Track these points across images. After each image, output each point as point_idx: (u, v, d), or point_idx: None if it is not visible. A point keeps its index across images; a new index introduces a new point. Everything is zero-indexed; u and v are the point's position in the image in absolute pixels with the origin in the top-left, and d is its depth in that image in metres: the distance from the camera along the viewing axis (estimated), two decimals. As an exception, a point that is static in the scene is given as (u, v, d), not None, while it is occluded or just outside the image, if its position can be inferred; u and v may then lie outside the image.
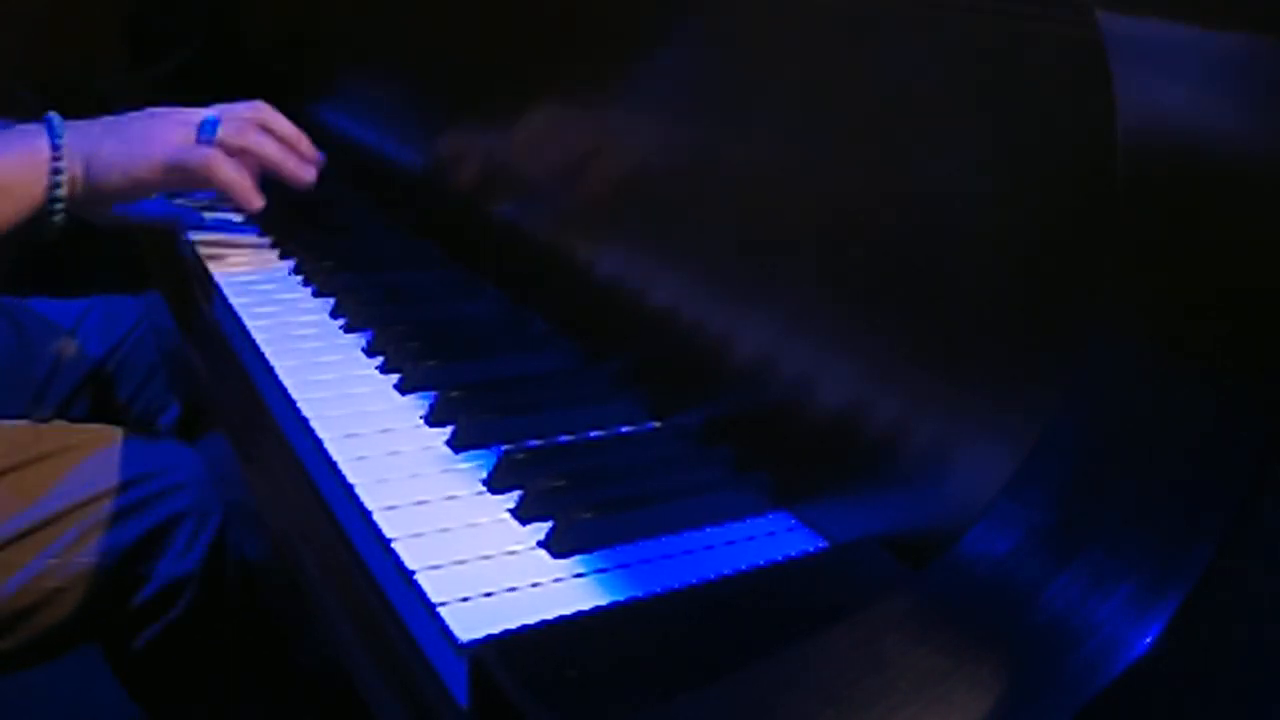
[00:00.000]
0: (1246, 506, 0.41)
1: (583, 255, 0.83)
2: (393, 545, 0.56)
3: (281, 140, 0.98)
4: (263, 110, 0.99)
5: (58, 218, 0.92)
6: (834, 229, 0.62)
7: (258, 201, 0.95)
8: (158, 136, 0.94)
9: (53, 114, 0.93)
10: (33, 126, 0.93)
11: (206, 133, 0.95)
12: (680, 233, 0.74)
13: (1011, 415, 0.50)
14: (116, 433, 0.96)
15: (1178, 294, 0.45)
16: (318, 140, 1.03)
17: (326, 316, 0.88)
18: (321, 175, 1.03)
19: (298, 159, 0.99)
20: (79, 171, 0.91)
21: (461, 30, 1.04)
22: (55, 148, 0.91)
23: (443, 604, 0.52)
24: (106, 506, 0.90)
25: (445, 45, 1.08)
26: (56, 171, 0.90)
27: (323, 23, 1.41)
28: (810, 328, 0.62)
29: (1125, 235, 0.46)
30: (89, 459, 0.93)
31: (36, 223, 0.92)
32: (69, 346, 1.17)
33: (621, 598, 0.53)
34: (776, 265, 0.66)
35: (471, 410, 0.69)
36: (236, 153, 0.95)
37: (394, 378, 0.76)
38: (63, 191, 0.91)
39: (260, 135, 0.97)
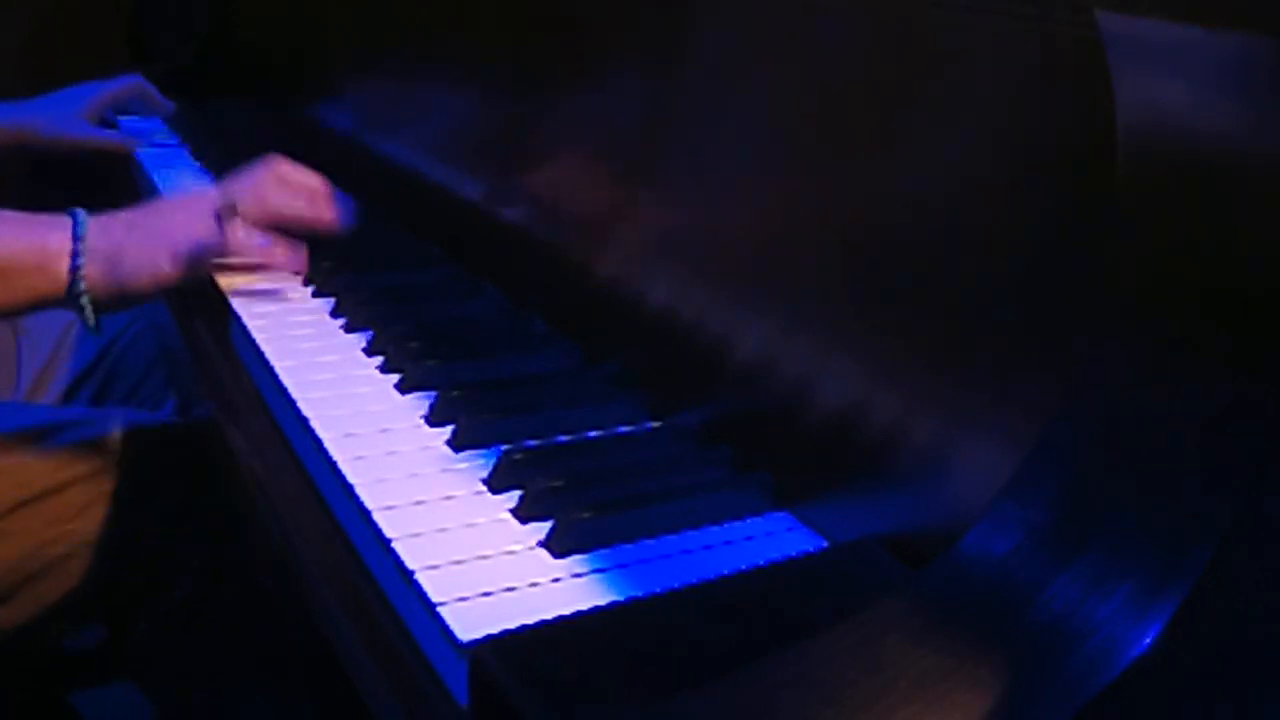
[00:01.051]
0: (1246, 506, 0.41)
1: (583, 255, 0.83)
2: (392, 545, 0.56)
3: (298, 192, 0.95)
4: (277, 165, 0.96)
5: (86, 309, 0.89)
6: (834, 228, 0.62)
7: (297, 264, 0.93)
8: (178, 230, 0.91)
9: (79, 210, 0.91)
10: (54, 218, 0.90)
11: (226, 216, 0.92)
12: (679, 233, 0.74)
13: (1011, 415, 0.50)
14: (120, 411, 0.98)
15: (1178, 294, 0.45)
16: (318, 140, 1.03)
17: (326, 316, 0.88)
18: (321, 175, 1.02)
19: (323, 208, 0.95)
20: (98, 269, 0.88)
21: (462, 30, 1.04)
22: (77, 239, 0.88)
23: (442, 604, 0.52)
24: (110, 479, 0.90)
25: (445, 45, 1.08)
26: (76, 268, 0.88)
27: (323, 23, 1.41)
28: (810, 327, 0.62)
29: (1125, 235, 0.46)
30: (94, 432, 0.93)
31: (72, 313, 0.90)
32: (65, 342, 1.18)
33: (621, 597, 0.53)
34: (776, 265, 0.66)
35: (471, 410, 0.69)
36: (262, 222, 0.93)
37: (394, 377, 0.76)
38: (84, 285, 0.88)
39: (280, 194, 0.94)
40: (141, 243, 0.90)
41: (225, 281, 0.92)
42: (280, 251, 0.92)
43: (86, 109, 1.37)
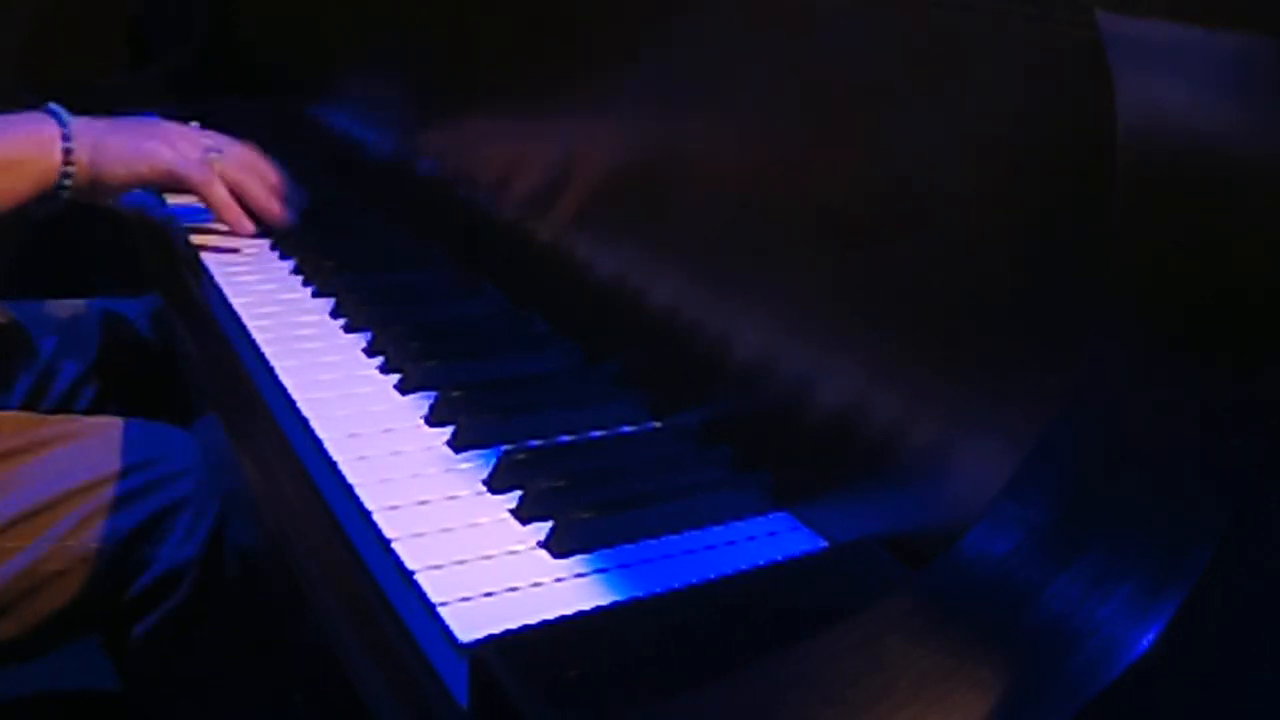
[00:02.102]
0: (1246, 506, 0.41)
1: (583, 255, 0.83)
2: (393, 545, 0.56)
3: (266, 184, 1.07)
4: (257, 152, 1.08)
5: (65, 193, 0.97)
6: (834, 228, 0.62)
7: (249, 226, 1.03)
8: (164, 140, 1.01)
9: (54, 104, 0.99)
10: (35, 114, 0.98)
11: (210, 156, 1.03)
12: (680, 232, 0.74)
13: (1011, 415, 0.50)
14: (118, 420, 0.97)
15: (1178, 293, 0.45)
16: (318, 140, 1.04)
17: (327, 316, 0.88)
18: (321, 175, 1.04)
19: (280, 203, 1.07)
20: (85, 157, 0.97)
21: (461, 30, 1.04)
22: (64, 129, 0.97)
23: (443, 604, 0.52)
24: (108, 491, 0.90)
25: (445, 45, 1.08)
26: (68, 151, 0.96)
27: (323, 23, 1.41)
28: (810, 328, 0.62)
29: (1125, 235, 0.46)
30: (91, 444, 0.93)
31: (42, 201, 0.97)
32: (66, 343, 1.17)
33: (622, 597, 0.53)
34: (776, 265, 0.66)
35: (472, 410, 0.69)
36: (230, 185, 1.04)
37: (394, 378, 0.76)
38: (73, 169, 0.96)
39: (252, 176, 1.06)
40: (127, 140, 1.00)
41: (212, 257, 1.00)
42: (240, 211, 1.03)
43: None
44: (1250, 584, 0.42)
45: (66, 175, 0.97)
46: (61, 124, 0.97)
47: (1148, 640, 0.40)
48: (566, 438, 0.69)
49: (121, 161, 0.99)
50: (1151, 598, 0.40)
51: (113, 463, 0.92)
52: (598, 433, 0.70)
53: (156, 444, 0.96)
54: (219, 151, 1.04)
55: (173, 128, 1.07)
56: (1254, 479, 0.41)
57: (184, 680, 0.98)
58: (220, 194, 1.02)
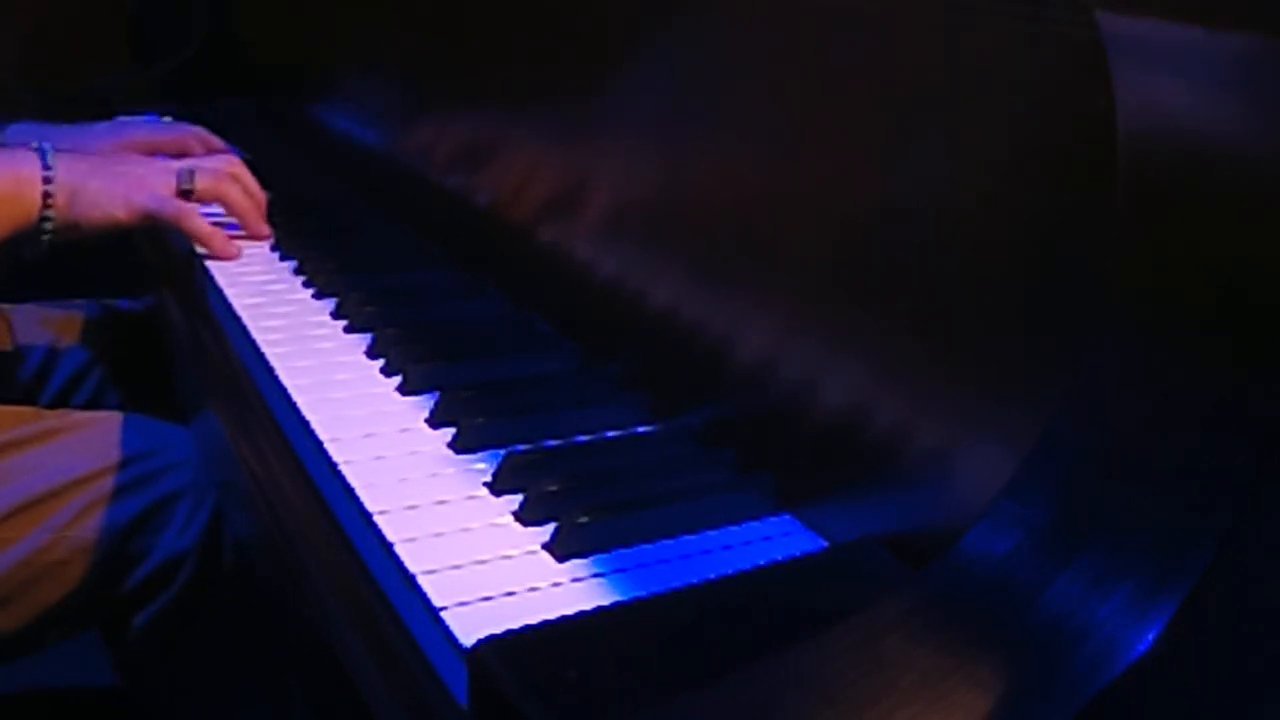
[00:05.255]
0: (1246, 506, 0.41)
1: (584, 256, 0.83)
2: (394, 548, 0.56)
3: (248, 194, 1.06)
4: (236, 164, 1.07)
5: (46, 238, 0.96)
6: (834, 229, 0.62)
7: (233, 251, 1.01)
8: (140, 183, 1.00)
9: (45, 144, 0.98)
10: (21, 150, 0.97)
11: (184, 181, 1.01)
12: (681, 234, 0.74)
13: (1011, 415, 0.50)
14: (116, 414, 0.97)
15: (1178, 294, 0.45)
16: (318, 140, 1.03)
17: (328, 317, 0.88)
18: (322, 175, 1.04)
19: (258, 215, 1.06)
20: (63, 200, 0.96)
21: (462, 31, 1.04)
22: (46, 169, 0.96)
23: (444, 607, 0.52)
24: (106, 482, 0.91)
25: (446, 46, 1.08)
26: (48, 195, 0.95)
27: (323, 23, 1.41)
28: (811, 329, 0.62)
29: (1125, 235, 0.46)
30: (89, 436, 0.94)
31: (23, 243, 0.97)
32: (65, 344, 1.18)
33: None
34: (777, 266, 0.66)
35: (474, 412, 0.69)
36: (210, 199, 1.03)
37: (396, 379, 0.76)
38: (52, 214, 0.95)
39: (231, 186, 1.05)
40: (103, 184, 0.98)
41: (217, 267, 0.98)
42: (221, 236, 1.01)
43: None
44: (1250, 584, 0.42)
45: (46, 219, 0.95)
46: (44, 165, 0.96)
47: (1148, 640, 0.40)
48: (568, 440, 0.69)
49: (98, 207, 0.98)
50: (1151, 598, 0.40)
51: (111, 454, 0.92)
52: (599, 435, 0.70)
53: (154, 436, 0.96)
54: (190, 171, 1.02)
55: (150, 163, 1.04)
56: (1254, 479, 0.41)
57: (183, 673, 0.98)
58: (200, 226, 1.00)
